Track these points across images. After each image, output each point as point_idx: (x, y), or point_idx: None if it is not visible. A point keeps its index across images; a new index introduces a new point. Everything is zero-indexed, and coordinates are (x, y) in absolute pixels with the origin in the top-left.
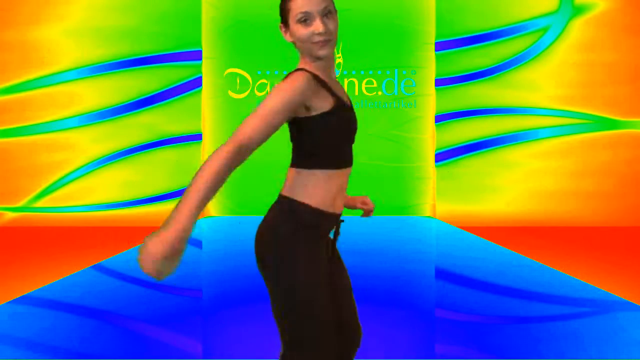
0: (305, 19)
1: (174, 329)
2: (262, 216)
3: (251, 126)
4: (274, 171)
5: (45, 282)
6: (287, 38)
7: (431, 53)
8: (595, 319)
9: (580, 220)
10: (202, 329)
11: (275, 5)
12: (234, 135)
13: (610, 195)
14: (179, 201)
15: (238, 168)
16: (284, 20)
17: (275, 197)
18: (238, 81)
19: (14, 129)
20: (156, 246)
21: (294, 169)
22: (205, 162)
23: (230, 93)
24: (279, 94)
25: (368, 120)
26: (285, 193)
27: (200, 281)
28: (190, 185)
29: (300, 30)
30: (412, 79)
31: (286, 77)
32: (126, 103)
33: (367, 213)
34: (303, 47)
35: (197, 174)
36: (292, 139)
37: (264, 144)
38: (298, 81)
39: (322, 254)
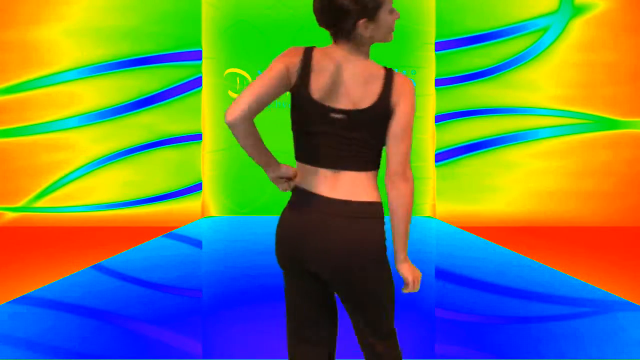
0: (393, 8)
1: (174, 329)
2: (262, 216)
3: (409, 151)
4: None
5: (45, 282)
6: (368, 32)
7: (431, 53)
8: (595, 319)
9: (580, 220)
10: (202, 329)
11: (274, 5)
12: (408, 169)
13: (610, 195)
14: (401, 238)
15: (237, 168)
16: (371, 14)
17: (273, 197)
18: (238, 81)
19: (14, 129)
20: (415, 270)
21: (364, 174)
22: (404, 202)
23: (230, 93)
24: (415, 105)
25: None
26: (370, 199)
27: (200, 281)
28: (405, 223)
29: (390, 19)
30: (412, 79)
31: (408, 82)
32: (126, 103)
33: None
34: (383, 36)
35: (406, 213)
36: (373, 142)
37: (265, 143)
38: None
39: None
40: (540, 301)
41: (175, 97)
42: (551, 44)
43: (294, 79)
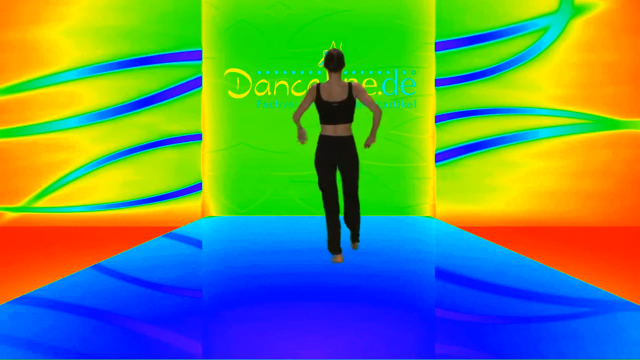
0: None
1: (174, 329)
2: (262, 216)
3: (375, 102)
4: (273, 172)
5: (45, 282)
6: (340, 69)
7: (431, 53)
8: (595, 319)
9: (580, 220)
10: (202, 329)
11: (274, 5)
12: (378, 107)
13: (610, 195)
14: (374, 130)
15: (237, 168)
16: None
17: (273, 197)
18: (238, 81)
19: (14, 129)
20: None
21: (349, 124)
22: (378, 115)
23: (230, 93)
24: (365, 89)
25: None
26: (350, 133)
27: (200, 281)
28: (378, 124)
29: None
30: (412, 79)
31: (357, 84)
32: (126, 103)
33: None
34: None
35: (379, 119)
36: (350, 111)
37: (265, 149)
38: None
39: None
40: (540, 301)
41: (175, 97)
42: (551, 44)
43: (315, 98)
